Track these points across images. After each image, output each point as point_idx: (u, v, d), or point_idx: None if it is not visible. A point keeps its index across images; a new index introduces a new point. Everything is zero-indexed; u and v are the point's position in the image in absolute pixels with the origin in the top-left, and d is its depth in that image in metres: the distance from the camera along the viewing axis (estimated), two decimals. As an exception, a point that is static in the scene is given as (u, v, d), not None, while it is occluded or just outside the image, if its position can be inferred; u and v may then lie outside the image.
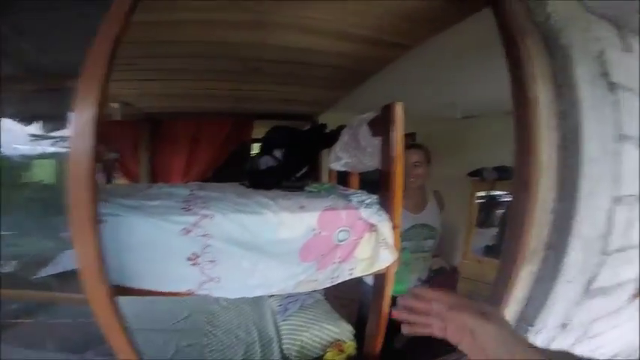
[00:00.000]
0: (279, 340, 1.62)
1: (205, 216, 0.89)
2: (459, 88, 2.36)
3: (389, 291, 1.21)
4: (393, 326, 1.70)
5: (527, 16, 1.02)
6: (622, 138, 1.10)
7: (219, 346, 1.60)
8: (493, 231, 3.52)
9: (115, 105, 2.56)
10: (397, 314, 0.53)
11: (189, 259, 0.90)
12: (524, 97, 0.99)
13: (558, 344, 1.31)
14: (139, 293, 0.90)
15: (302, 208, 1.04)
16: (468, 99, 2.67)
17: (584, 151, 1.02)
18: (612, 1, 1.08)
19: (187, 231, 0.87)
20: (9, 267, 1.32)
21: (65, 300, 0.85)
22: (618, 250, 1.24)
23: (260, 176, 1.42)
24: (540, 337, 1.22)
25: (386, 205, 1.14)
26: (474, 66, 1.78)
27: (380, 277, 1.21)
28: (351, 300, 1.97)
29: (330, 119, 2.10)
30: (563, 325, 1.24)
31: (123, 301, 0.82)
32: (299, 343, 1.52)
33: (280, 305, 1.84)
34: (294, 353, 1.50)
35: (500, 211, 3.54)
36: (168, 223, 0.87)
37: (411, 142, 2.05)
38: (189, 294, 0.92)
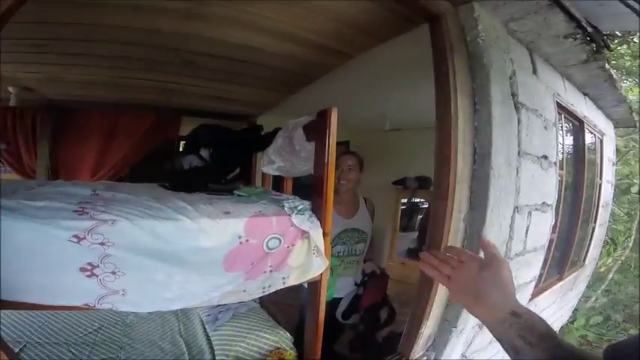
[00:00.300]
0: (212, 351, 1.52)
1: (105, 221, 0.76)
2: (390, 101, 2.50)
3: (323, 297, 1.20)
4: (334, 331, 1.70)
5: (459, 35, 1.11)
6: (522, 154, 1.26)
7: (141, 358, 1.46)
8: (414, 234, 3.84)
9: (12, 89, 2.16)
10: (423, 255, 0.61)
11: (82, 269, 0.76)
12: (446, 112, 1.06)
13: (479, 343, 1.43)
14: (22, 307, 0.76)
15: (227, 214, 0.95)
16: (396, 112, 2.85)
17: (493, 164, 1.13)
18: (532, 26, 1.22)
19: (79, 238, 0.73)
20: None
21: None
22: (518, 254, 1.41)
23: (182, 177, 1.28)
24: (463, 336, 1.32)
25: (318, 211, 1.12)
26: (404, 81, 1.90)
27: (313, 285, 1.19)
28: (289, 305, 1.92)
29: (269, 122, 2.04)
30: (480, 326, 1.36)
31: (18, 313, 0.65)
32: (233, 354, 1.43)
33: (209, 315, 1.72)
34: (228, 365, 1.41)
35: (419, 217, 3.88)
36: (53, 228, 0.72)
37: (345, 149, 2.10)
38: (86, 308, 0.80)
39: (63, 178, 2.37)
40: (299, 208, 1.09)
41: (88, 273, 0.76)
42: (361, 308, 1.73)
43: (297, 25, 1.35)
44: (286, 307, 1.93)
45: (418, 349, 1.28)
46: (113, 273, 0.79)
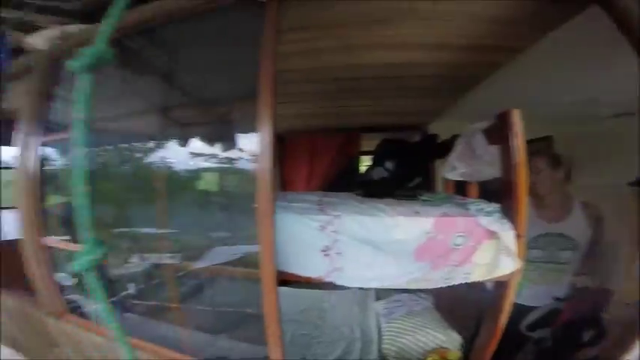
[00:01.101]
0: (379, 341, 1.69)
1: (335, 216, 1.09)
2: (598, 83, 1.98)
3: (509, 301, 1.17)
4: (513, 344, 1.54)
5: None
6: None
7: (325, 338, 1.79)
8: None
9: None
10: None
11: (322, 250, 1.10)
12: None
13: None
14: (284, 276, 1.09)
15: (417, 213, 1.13)
16: (613, 93, 2.19)
17: None
18: None
19: (323, 227, 1.08)
20: (176, 259, 1.65)
21: (240, 274, 1.17)
22: None
23: (373, 186, 1.56)
24: None
25: (508, 213, 1.12)
26: (606, 59, 1.50)
27: (500, 284, 1.18)
28: (463, 315, 1.87)
29: (441, 128, 2.09)
30: None
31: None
32: (399, 345, 1.57)
33: (386, 309, 1.93)
34: (392, 355, 1.56)
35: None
36: (309, 220, 1.10)
37: (545, 147, 1.86)
38: (319, 280, 1.11)
39: (289, 190, 3.18)
40: (486, 210, 1.13)
41: (325, 253, 1.10)
42: (557, 323, 1.48)
43: (438, 34, 1.36)
44: (460, 317, 1.87)
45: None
46: (338, 254, 1.09)
